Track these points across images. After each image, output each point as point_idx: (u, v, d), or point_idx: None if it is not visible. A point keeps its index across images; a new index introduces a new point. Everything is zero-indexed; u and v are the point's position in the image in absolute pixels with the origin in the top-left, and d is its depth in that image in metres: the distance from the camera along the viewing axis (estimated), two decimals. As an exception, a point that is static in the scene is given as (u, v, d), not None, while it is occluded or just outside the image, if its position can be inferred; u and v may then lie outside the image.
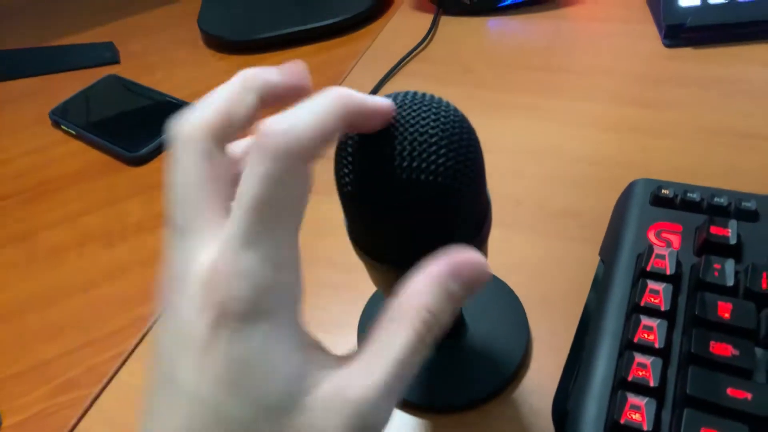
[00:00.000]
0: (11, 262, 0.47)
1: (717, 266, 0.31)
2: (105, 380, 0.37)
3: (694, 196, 0.35)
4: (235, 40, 0.68)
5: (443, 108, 0.21)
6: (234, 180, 0.19)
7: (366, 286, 0.35)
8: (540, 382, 0.33)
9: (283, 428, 0.17)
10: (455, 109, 0.22)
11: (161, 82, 0.65)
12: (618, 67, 0.55)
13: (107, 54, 0.71)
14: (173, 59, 0.69)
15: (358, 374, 0.18)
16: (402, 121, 0.21)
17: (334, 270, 0.40)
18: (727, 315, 0.29)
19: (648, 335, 0.29)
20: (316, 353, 0.19)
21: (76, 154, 0.57)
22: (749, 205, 0.34)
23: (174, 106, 0.59)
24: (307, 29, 0.67)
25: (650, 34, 0.58)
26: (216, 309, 0.17)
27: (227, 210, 0.18)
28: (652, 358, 0.28)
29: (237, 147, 0.22)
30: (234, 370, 0.17)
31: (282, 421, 0.17)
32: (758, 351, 0.28)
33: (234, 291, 0.17)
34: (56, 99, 0.63)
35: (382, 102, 0.20)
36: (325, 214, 0.37)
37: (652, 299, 0.30)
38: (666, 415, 0.27)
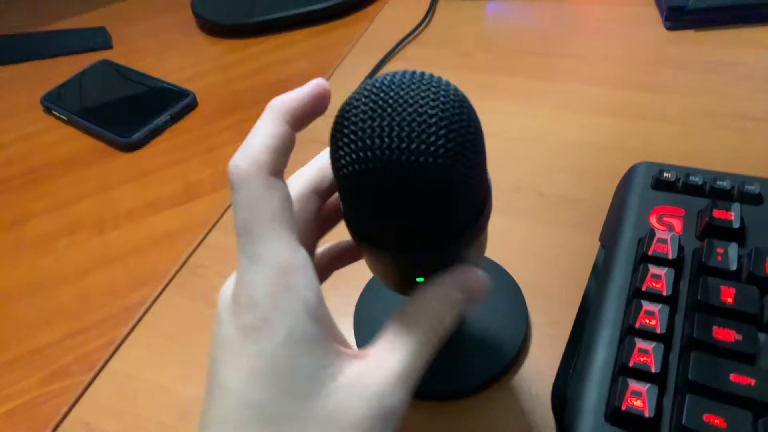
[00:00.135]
0: (0, 249, 0.46)
1: (720, 250, 0.30)
2: (96, 368, 0.37)
3: (697, 179, 0.34)
4: (229, 24, 0.67)
5: (443, 87, 0.21)
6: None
7: (361, 275, 0.34)
8: (539, 368, 0.32)
9: (310, 412, 0.19)
10: (455, 89, 0.21)
11: (154, 67, 0.64)
12: (618, 50, 0.54)
13: (99, 39, 0.70)
14: (166, 44, 0.68)
15: (375, 364, 0.20)
16: (400, 101, 0.20)
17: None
18: (729, 300, 0.28)
19: (649, 320, 0.28)
20: (336, 346, 0.21)
21: (68, 140, 0.56)
22: (752, 188, 0.33)
23: (167, 91, 0.58)
24: (302, 13, 0.66)
25: (651, 16, 0.57)
26: (240, 316, 0.20)
27: (288, 232, 0.21)
28: (653, 344, 0.27)
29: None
30: (262, 364, 0.19)
31: (309, 406, 0.19)
32: (761, 336, 0.27)
33: (250, 299, 0.20)
34: (48, 85, 0.63)
35: (310, 84, 0.23)
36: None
37: (654, 284, 0.30)
38: (668, 402, 0.26)
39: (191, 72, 0.62)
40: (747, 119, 0.44)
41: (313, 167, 0.25)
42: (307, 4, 0.66)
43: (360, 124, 0.20)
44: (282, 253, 0.20)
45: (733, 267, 0.29)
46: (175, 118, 0.56)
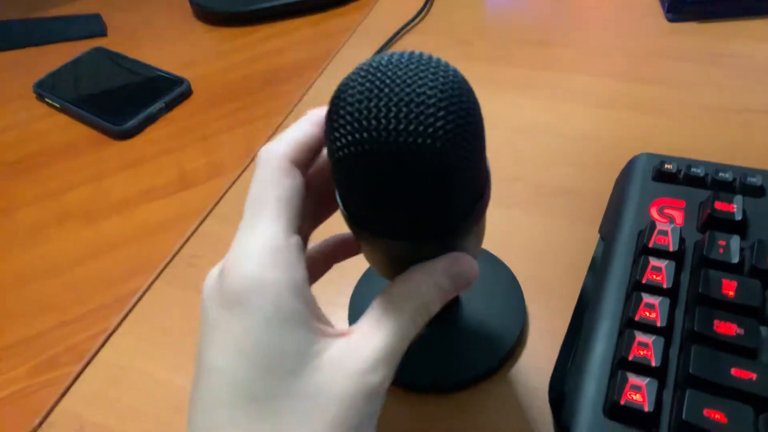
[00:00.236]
0: (-8, 237, 0.46)
1: (721, 243, 0.30)
2: (86, 359, 0.36)
3: (698, 171, 0.34)
4: (226, 11, 0.66)
5: (442, 68, 0.20)
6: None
7: (357, 266, 0.34)
8: (537, 361, 0.32)
9: (294, 390, 0.19)
10: (455, 70, 0.20)
11: (149, 54, 0.63)
12: (619, 42, 0.53)
13: (94, 26, 0.69)
14: (162, 32, 0.67)
15: (357, 343, 0.20)
16: (398, 81, 0.19)
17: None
18: (731, 293, 0.28)
19: (649, 313, 0.28)
20: (320, 325, 0.21)
21: (61, 128, 0.56)
22: (755, 180, 0.33)
23: (161, 79, 0.58)
24: (299, 1, 0.65)
25: (653, 8, 0.56)
26: (223, 293, 0.20)
27: (290, 217, 0.22)
28: (653, 337, 0.27)
29: None
30: (247, 342, 0.19)
31: (293, 384, 0.19)
32: (763, 330, 0.27)
33: (237, 272, 0.20)
34: (41, 72, 0.62)
35: None
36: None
37: (654, 276, 0.29)
38: (668, 396, 0.26)
39: (186, 60, 0.62)
40: (749, 112, 0.44)
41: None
42: (304, -8, 0.65)
43: (356, 104, 0.19)
44: (277, 233, 0.21)
45: (735, 260, 0.29)
46: (169, 106, 0.55)
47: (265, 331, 0.19)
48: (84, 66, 0.62)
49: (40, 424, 0.34)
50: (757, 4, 0.52)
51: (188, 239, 0.42)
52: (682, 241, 0.31)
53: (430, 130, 0.19)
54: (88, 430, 0.33)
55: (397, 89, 0.19)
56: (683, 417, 0.24)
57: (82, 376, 0.36)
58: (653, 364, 0.26)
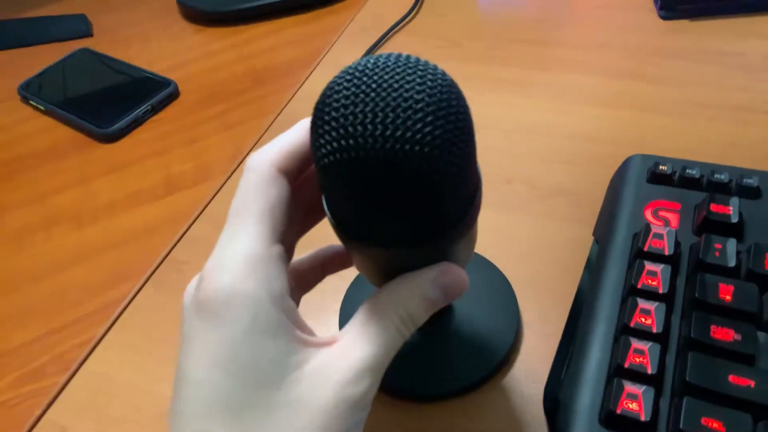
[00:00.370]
0: (-25, 244, 0.45)
1: (718, 246, 0.29)
2: (73, 368, 0.35)
3: (694, 172, 0.33)
4: (213, 11, 0.65)
5: (430, 71, 0.19)
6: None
7: (347, 272, 0.33)
8: (531, 368, 0.31)
9: (274, 401, 0.19)
10: (443, 73, 0.20)
11: (137, 55, 0.62)
12: (612, 40, 0.52)
13: (80, 27, 0.68)
14: (149, 32, 0.66)
15: (340, 353, 0.20)
16: (384, 85, 0.18)
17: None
18: (728, 297, 0.27)
19: (645, 319, 0.27)
20: (302, 335, 0.20)
21: (46, 131, 0.55)
22: (751, 181, 0.32)
23: (149, 80, 0.57)
24: (288, 0, 0.64)
25: (646, 5, 0.56)
26: (200, 303, 0.19)
27: (272, 226, 0.21)
28: (649, 344, 0.26)
29: None
30: (224, 353, 0.19)
31: (273, 394, 0.19)
32: (761, 335, 0.26)
33: (213, 283, 0.19)
34: (25, 74, 0.61)
35: None
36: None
37: (650, 281, 0.29)
38: (664, 404, 0.25)
39: (174, 61, 0.61)
40: (743, 110, 0.43)
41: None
42: (293, -9, 0.64)
43: (342, 110, 0.19)
44: (258, 243, 0.21)
45: (732, 263, 0.28)
46: (156, 109, 0.54)
47: (242, 342, 0.19)
48: (69, 67, 0.61)
49: (25, 436, 0.33)
50: (749, 2, 0.52)
51: (176, 244, 0.42)
52: (677, 244, 0.30)
53: (418, 136, 0.18)
54: (74, 443, 0.32)
55: (383, 94, 0.18)
56: (680, 426, 0.24)
57: (68, 387, 0.35)
58: (649, 371, 0.26)
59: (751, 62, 0.47)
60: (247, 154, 0.48)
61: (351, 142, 0.18)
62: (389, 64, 0.19)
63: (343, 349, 0.20)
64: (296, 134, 0.23)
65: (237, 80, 0.57)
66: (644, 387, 0.25)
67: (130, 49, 0.64)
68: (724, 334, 0.26)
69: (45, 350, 0.37)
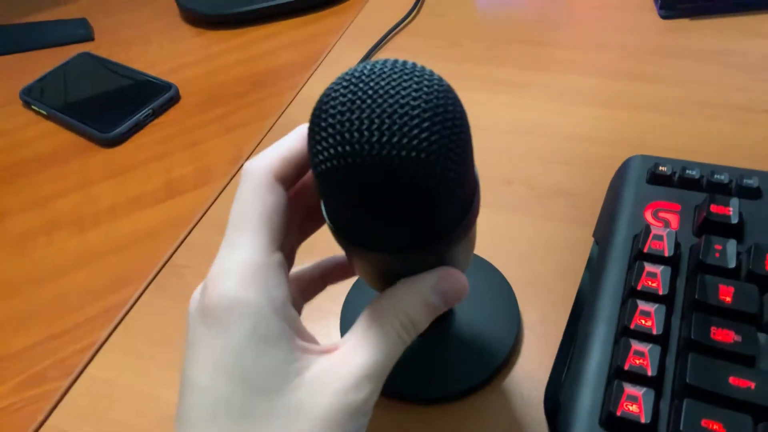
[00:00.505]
0: (-23, 249, 0.45)
1: (718, 247, 0.29)
2: (74, 373, 0.36)
3: (694, 173, 0.33)
4: (214, 14, 0.65)
5: (426, 76, 0.19)
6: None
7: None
8: (532, 370, 0.31)
9: (275, 407, 0.19)
10: (439, 78, 0.20)
11: (136, 59, 0.62)
12: (612, 39, 0.52)
13: (80, 31, 0.68)
14: (149, 36, 0.66)
15: (340, 360, 0.20)
16: (381, 92, 0.18)
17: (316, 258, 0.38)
18: (728, 299, 0.27)
19: (645, 321, 0.27)
20: (302, 342, 0.21)
21: (48, 136, 0.55)
22: (751, 182, 0.32)
23: (150, 84, 0.57)
24: (289, 2, 0.64)
25: (646, 4, 0.55)
26: (204, 311, 0.20)
27: (271, 234, 0.22)
28: (649, 346, 0.26)
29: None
30: (227, 359, 0.19)
31: (274, 401, 0.19)
32: (761, 337, 0.26)
33: (216, 291, 0.20)
34: (27, 78, 0.61)
35: None
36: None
37: (650, 282, 0.29)
38: (665, 406, 0.25)
39: (174, 64, 0.61)
40: (743, 109, 0.43)
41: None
42: (293, -6, 0.64)
43: (338, 116, 0.19)
44: (258, 251, 0.21)
45: (732, 264, 0.28)
46: (157, 112, 0.54)
47: (244, 349, 0.19)
48: (71, 72, 0.61)
49: (27, 441, 0.33)
50: (750, 1, 0.52)
51: (177, 249, 0.42)
52: (677, 245, 0.30)
53: (415, 141, 0.18)
54: (76, 448, 0.32)
55: (379, 100, 0.18)
56: (681, 428, 0.24)
57: (71, 392, 0.35)
58: (649, 373, 0.26)
59: (752, 62, 0.47)
60: (248, 157, 0.48)
61: (348, 148, 0.18)
62: (385, 70, 0.19)
63: (343, 356, 0.20)
64: (292, 141, 0.23)
65: (237, 83, 0.57)
66: (644, 389, 0.25)
67: (131, 53, 0.64)
68: (724, 335, 0.26)
69: (47, 355, 0.37)
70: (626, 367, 0.26)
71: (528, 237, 0.37)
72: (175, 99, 0.56)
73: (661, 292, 0.28)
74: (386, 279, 0.24)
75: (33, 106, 0.58)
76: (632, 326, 0.27)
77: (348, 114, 0.18)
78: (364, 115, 0.18)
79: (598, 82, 0.48)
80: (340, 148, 0.18)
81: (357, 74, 0.19)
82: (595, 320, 0.29)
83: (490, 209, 0.39)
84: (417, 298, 0.22)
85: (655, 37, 0.52)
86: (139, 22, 0.69)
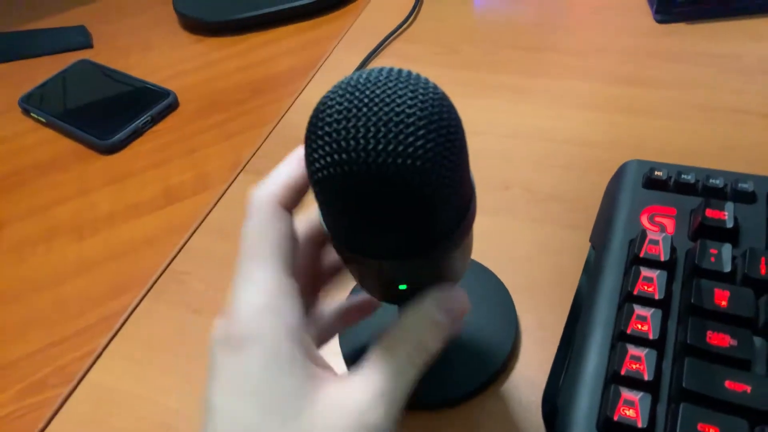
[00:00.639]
0: (-23, 257, 0.45)
1: (713, 251, 0.29)
2: (75, 380, 0.36)
3: (689, 177, 0.34)
4: (213, 21, 0.65)
5: (421, 84, 0.19)
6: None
7: (346, 284, 0.33)
8: (530, 374, 0.31)
9: (293, 429, 0.19)
10: (434, 86, 0.20)
11: (135, 66, 0.63)
12: (608, 44, 0.53)
13: (79, 38, 0.69)
14: (148, 43, 0.67)
15: (355, 386, 0.21)
16: (376, 100, 0.19)
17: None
18: (724, 303, 0.27)
19: (642, 325, 0.27)
20: (319, 369, 0.21)
21: (47, 143, 0.55)
22: (746, 186, 0.32)
23: (148, 91, 0.57)
24: (286, 9, 0.64)
25: (642, 9, 0.56)
26: (226, 340, 0.21)
27: (283, 260, 0.23)
28: (646, 350, 0.27)
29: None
30: (244, 383, 0.20)
31: (290, 425, 0.19)
32: (757, 340, 0.26)
33: (234, 319, 0.21)
34: (26, 86, 0.61)
35: None
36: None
37: (646, 287, 0.29)
38: (661, 411, 0.25)
39: (173, 71, 0.61)
40: (740, 113, 0.43)
41: (306, 220, 0.26)
42: (291, 1, 0.64)
43: (335, 125, 0.19)
44: (273, 279, 0.22)
45: (727, 268, 0.28)
46: (156, 119, 0.55)
47: (260, 374, 0.20)
48: (70, 79, 0.61)
49: (28, 449, 0.33)
50: (745, 4, 0.52)
51: (176, 255, 0.42)
52: (673, 250, 0.30)
53: (411, 149, 0.18)
54: (76, 455, 0.33)
55: (375, 108, 0.19)
56: (677, 432, 0.24)
57: (71, 399, 0.35)
58: (646, 378, 0.26)
59: (747, 65, 0.47)
60: (247, 163, 0.48)
61: (344, 156, 0.19)
62: (381, 78, 0.19)
63: (357, 381, 0.21)
64: (292, 166, 0.24)
65: (236, 90, 0.57)
66: (641, 393, 0.25)
67: (130, 60, 0.64)
68: (720, 339, 0.26)
69: (47, 362, 0.37)
70: (623, 372, 0.26)
71: (525, 241, 0.38)
72: (173, 106, 0.56)
73: (657, 297, 0.28)
74: (384, 286, 0.25)
75: (32, 114, 0.58)
76: (629, 331, 0.27)
77: (344, 122, 0.19)
78: (360, 124, 0.18)
79: (594, 87, 0.48)
80: (336, 156, 0.19)
81: (353, 83, 0.19)
82: (592, 325, 0.29)
83: (487, 214, 0.39)
84: (423, 319, 0.23)
85: (651, 41, 0.52)
86: (138, 29, 0.69)
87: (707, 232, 0.31)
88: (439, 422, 0.30)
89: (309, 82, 0.56)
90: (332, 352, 0.33)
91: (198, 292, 0.39)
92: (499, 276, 0.35)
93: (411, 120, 0.18)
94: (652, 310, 0.28)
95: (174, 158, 0.51)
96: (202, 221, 0.44)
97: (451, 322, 0.23)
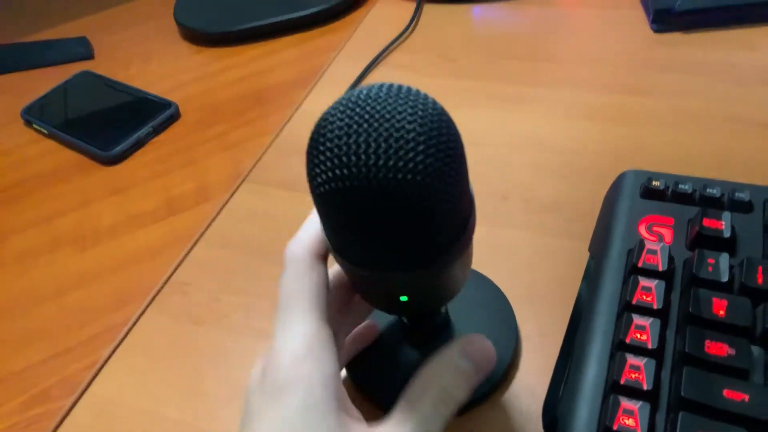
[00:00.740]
0: (-20, 268, 0.45)
1: (711, 261, 0.29)
2: (78, 392, 0.36)
3: (686, 187, 0.34)
4: (213, 32, 0.66)
5: (420, 101, 0.20)
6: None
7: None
8: (530, 384, 0.32)
9: None
10: (434, 102, 0.20)
11: (136, 77, 0.63)
12: (605, 54, 0.53)
13: (81, 49, 0.69)
14: (149, 54, 0.67)
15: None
16: (377, 116, 0.19)
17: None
18: (722, 312, 0.27)
19: (640, 335, 0.28)
20: (349, 418, 0.22)
21: (49, 154, 0.55)
22: (743, 195, 0.33)
23: (150, 102, 0.57)
24: (286, 20, 0.65)
25: (638, 19, 0.56)
26: (264, 387, 0.22)
27: (320, 309, 0.24)
28: (645, 360, 0.27)
29: None
30: (278, 428, 0.21)
31: None
32: (755, 350, 0.27)
33: (277, 363, 0.22)
34: (28, 97, 0.61)
35: None
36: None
37: (644, 297, 0.29)
38: (660, 420, 0.26)
39: (174, 82, 0.61)
40: (737, 122, 0.44)
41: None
42: (291, 11, 0.65)
43: (336, 141, 0.19)
44: (310, 328, 0.23)
45: (725, 278, 0.29)
46: (157, 130, 0.55)
47: (296, 419, 0.21)
48: (71, 90, 0.62)
49: (31, 460, 0.33)
50: (742, 14, 0.52)
51: (178, 266, 0.42)
52: (671, 260, 0.30)
53: (411, 164, 0.19)
54: (80, 466, 0.33)
55: (376, 124, 0.19)
56: (676, 441, 0.24)
57: (74, 410, 0.35)
58: (645, 387, 0.26)
59: (744, 74, 0.48)
60: (248, 174, 0.48)
61: (345, 171, 0.19)
62: (381, 94, 0.20)
63: (383, 429, 0.22)
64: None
65: (237, 100, 0.58)
66: (640, 403, 0.26)
67: (131, 71, 0.64)
68: (718, 348, 0.26)
69: (50, 373, 0.37)
70: (622, 382, 0.26)
71: (524, 251, 0.38)
72: (175, 116, 0.56)
73: (655, 306, 0.29)
74: (386, 298, 0.25)
75: (34, 125, 0.58)
76: (628, 340, 0.28)
77: (345, 138, 0.19)
78: (361, 139, 0.19)
79: (592, 96, 0.49)
80: (338, 171, 0.19)
81: (353, 99, 0.20)
82: (592, 334, 0.29)
83: (486, 224, 0.39)
84: (447, 367, 0.24)
85: (648, 51, 0.52)
86: (139, 40, 0.70)
87: (705, 241, 0.31)
88: (441, 432, 0.30)
89: (309, 93, 0.56)
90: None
91: (200, 303, 0.39)
92: (498, 286, 0.35)
93: (411, 136, 0.19)
94: (651, 319, 0.28)
95: (175, 169, 0.51)
96: (204, 232, 0.44)
97: (476, 370, 0.24)
